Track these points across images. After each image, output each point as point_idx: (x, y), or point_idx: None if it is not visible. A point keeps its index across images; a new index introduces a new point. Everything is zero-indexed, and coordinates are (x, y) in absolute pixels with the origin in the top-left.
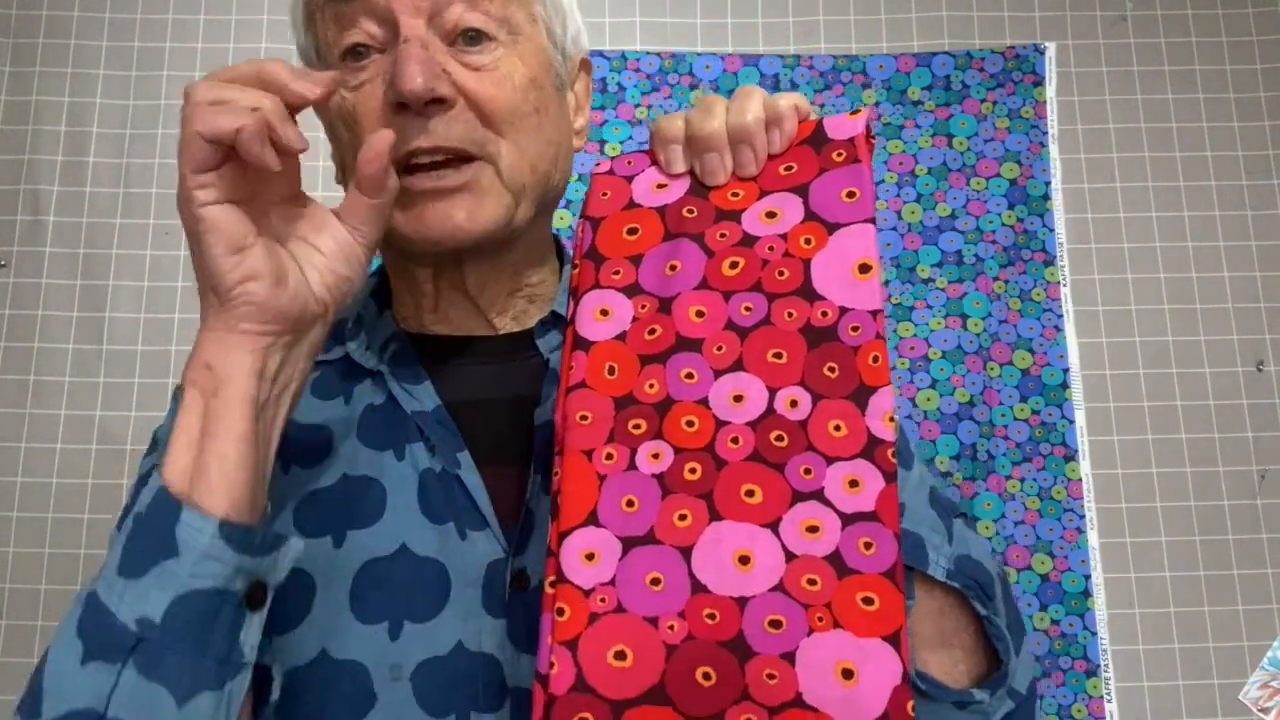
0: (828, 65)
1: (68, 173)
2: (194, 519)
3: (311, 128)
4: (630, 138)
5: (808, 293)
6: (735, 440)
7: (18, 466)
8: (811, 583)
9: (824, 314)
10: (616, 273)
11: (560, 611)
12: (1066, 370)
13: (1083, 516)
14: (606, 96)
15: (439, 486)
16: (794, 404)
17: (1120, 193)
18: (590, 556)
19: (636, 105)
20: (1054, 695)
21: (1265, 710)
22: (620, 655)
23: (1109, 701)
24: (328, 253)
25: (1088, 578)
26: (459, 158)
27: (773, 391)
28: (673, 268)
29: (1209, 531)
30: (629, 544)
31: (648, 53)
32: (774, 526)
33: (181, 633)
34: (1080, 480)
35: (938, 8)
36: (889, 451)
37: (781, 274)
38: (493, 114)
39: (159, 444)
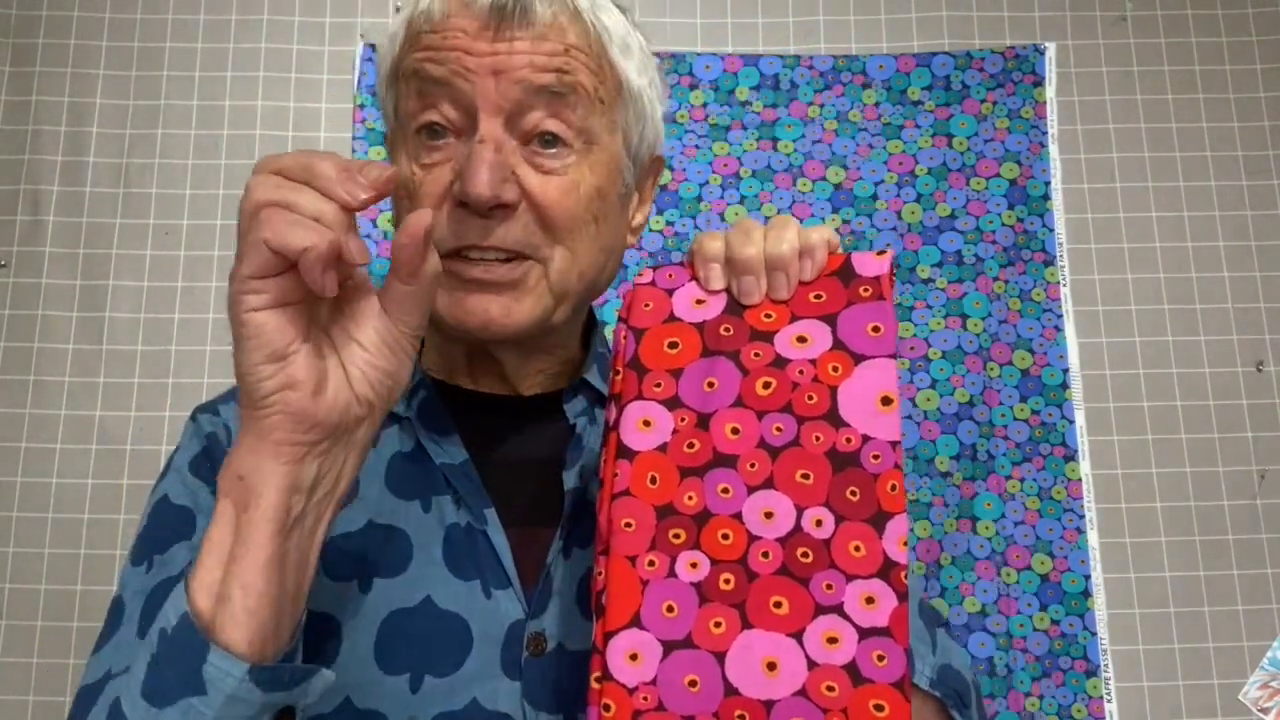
0: (828, 65)
1: (68, 173)
2: (221, 660)
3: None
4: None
5: (834, 419)
6: (765, 554)
7: (18, 466)
8: (830, 689)
9: (848, 440)
10: (658, 385)
11: (606, 707)
12: (1066, 370)
13: (1083, 516)
14: None
15: (465, 542)
16: (819, 523)
17: (1120, 193)
18: (634, 657)
19: None
20: (1054, 695)
21: (1265, 710)
22: None
23: (1109, 702)
24: (369, 346)
25: (1088, 578)
26: (513, 256)
27: (800, 510)
28: (710, 384)
29: (1209, 531)
30: (669, 647)
31: None
32: (798, 636)
33: None
34: (1080, 480)
35: (938, 8)
36: (902, 573)
37: (811, 398)
38: (552, 220)
39: (174, 473)
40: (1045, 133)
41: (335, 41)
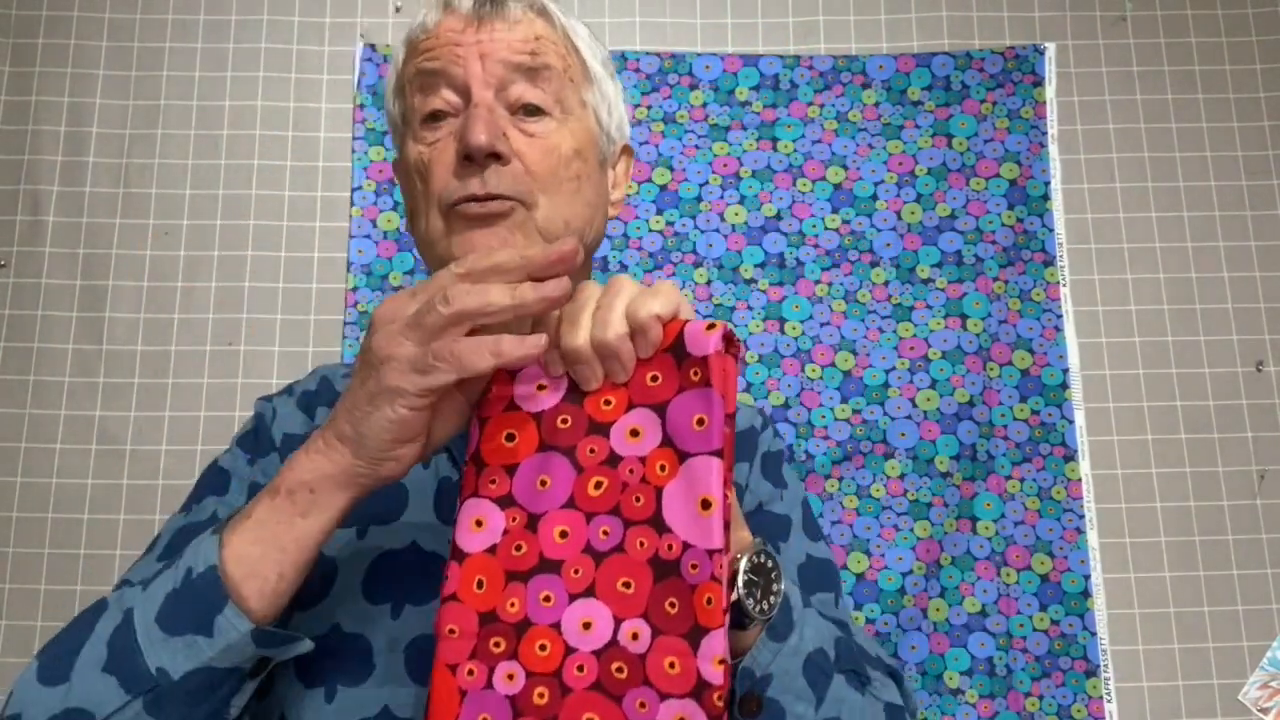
0: (828, 65)
1: (68, 173)
2: (234, 617)
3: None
4: (629, 138)
5: (658, 523)
6: (580, 668)
7: (17, 466)
8: None
9: (670, 547)
10: (493, 481)
11: None
12: (1066, 370)
13: (1082, 517)
14: None
15: (453, 491)
16: (635, 636)
17: (1120, 193)
18: None
19: (636, 105)
20: (1053, 695)
21: (1265, 710)
22: None
23: (1109, 702)
24: (444, 414)
25: (1087, 578)
26: (505, 198)
27: (618, 622)
28: (543, 483)
29: (1209, 532)
30: None
31: (647, 53)
32: None
33: (188, 691)
34: (1080, 480)
35: (938, 8)
36: (715, 695)
37: (638, 500)
38: (537, 175)
39: (228, 447)
40: (1045, 133)
41: (335, 41)
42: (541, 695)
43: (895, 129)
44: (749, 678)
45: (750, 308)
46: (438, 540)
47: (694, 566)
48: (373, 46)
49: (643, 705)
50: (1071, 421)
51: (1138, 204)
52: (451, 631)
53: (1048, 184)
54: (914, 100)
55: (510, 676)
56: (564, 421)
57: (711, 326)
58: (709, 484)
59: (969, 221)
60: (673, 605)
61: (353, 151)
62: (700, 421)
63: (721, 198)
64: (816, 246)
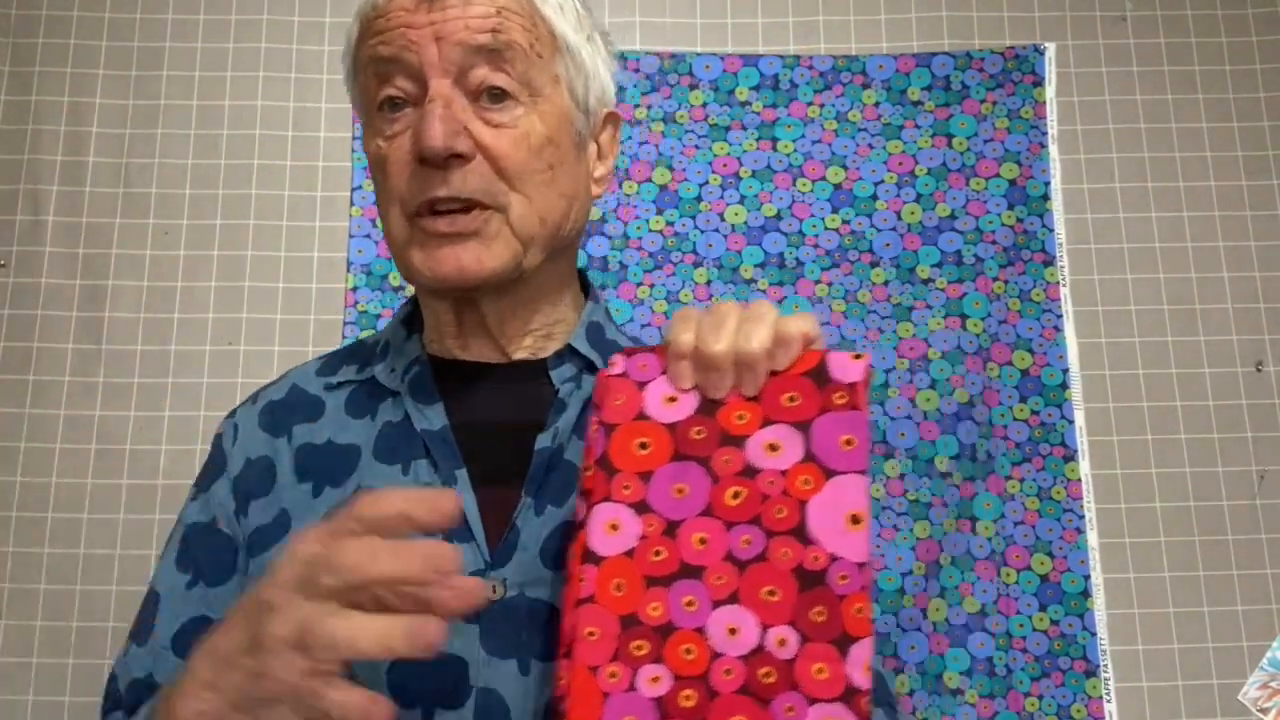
0: (828, 65)
1: (67, 173)
2: None
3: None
4: (630, 138)
5: (802, 535)
6: (728, 672)
7: (17, 466)
8: None
9: (815, 559)
10: (627, 487)
11: None
12: (1066, 370)
13: (1082, 517)
14: None
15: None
16: (783, 643)
17: (1120, 193)
18: None
19: (636, 105)
20: (1053, 695)
21: (1264, 710)
22: None
23: (1108, 702)
24: None
25: (1087, 578)
26: (473, 205)
27: (765, 628)
28: (680, 490)
29: (1208, 532)
30: None
31: (648, 53)
32: None
33: None
34: (1080, 480)
35: (938, 8)
36: (864, 700)
37: (780, 512)
38: (506, 169)
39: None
40: (1045, 133)
41: (335, 41)
42: (689, 698)
43: (895, 129)
44: None
45: None
46: None
47: (843, 578)
48: None
49: (790, 709)
50: (1071, 421)
51: (1137, 204)
52: (591, 634)
53: (1048, 184)
54: (914, 100)
55: (655, 679)
56: (698, 433)
57: (858, 357)
58: (858, 501)
59: (969, 221)
60: (820, 614)
61: (353, 151)
62: (849, 442)
63: (721, 198)
64: (816, 246)
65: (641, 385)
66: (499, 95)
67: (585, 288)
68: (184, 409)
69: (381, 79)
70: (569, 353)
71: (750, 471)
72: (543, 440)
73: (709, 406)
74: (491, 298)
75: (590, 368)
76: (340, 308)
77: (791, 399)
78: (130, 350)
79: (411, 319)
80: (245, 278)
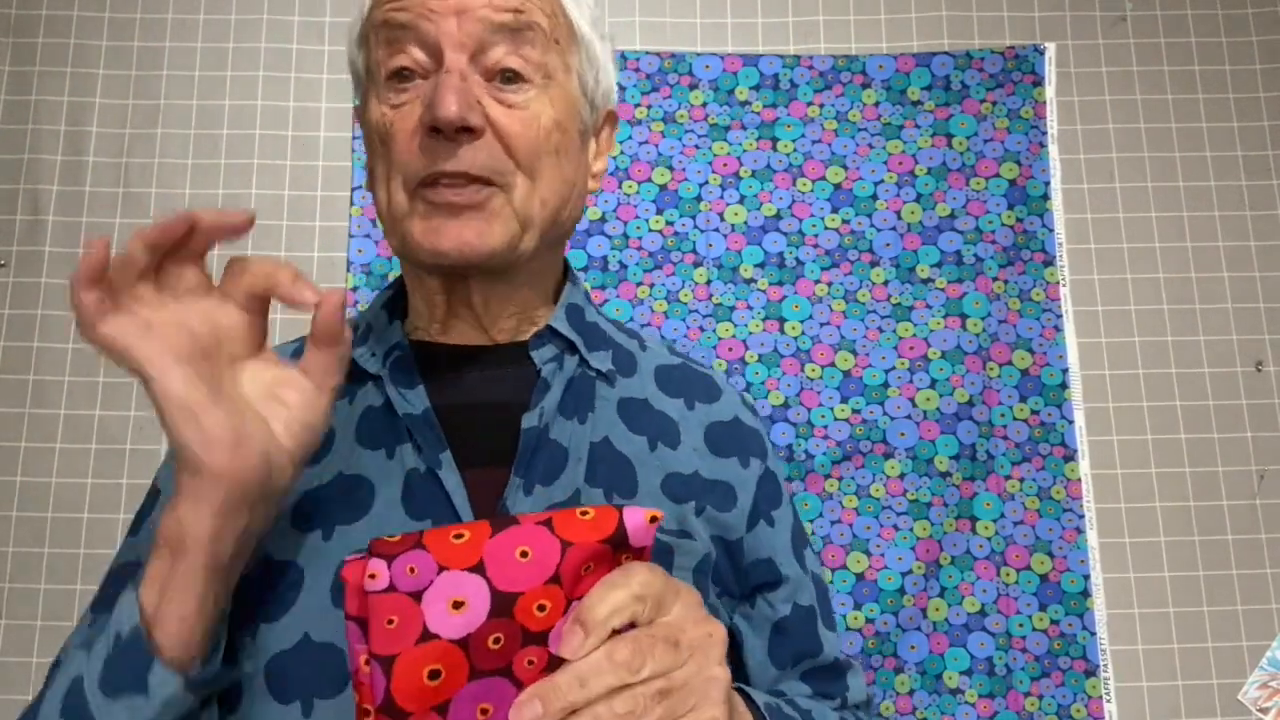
0: (828, 65)
1: (67, 172)
2: (163, 672)
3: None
4: (629, 138)
5: None
6: None
7: (17, 466)
8: None
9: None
10: None
11: None
12: (1066, 370)
13: (1082, 516)
14: None
15: (422, 485)
16: None
17: (1119, 193)
18: None
19: (636, 105)
20: (1053, 695)
21: (1264, 710)
22: None
23: (1108, 701)
24: (294, 406)
25: (1087, 578)
26: (477, 181)
27: None
28: (484, 711)
29: (1208, 531)
30: None
31: (647, 53)
32: None
33: None
34: (1079, 480)
35: (938, 8)
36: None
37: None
38: (515, 149)
39: (161, 495)
40: (1045, 133)
41: (335, 41)
42: None
43: (895, 129)
44: None
45: (750, 307)
46: None
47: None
48: None
49: None
50: (1071, 421)
51: (1137, 204)
52: None
53: (1047, 184)
54: (914, 100)
55: None
56: (496, 642)
57: (654, 519)
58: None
59: (969, 221)
60: None
61: (353, 151)
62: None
63: (721, 197)
64: (816, 246)
65: (416, 596)
66: (512, 77)
67: (565, 273)
68: None
69: (393, 46)
70: (549, 333)
71: (555, 664)
72: (529, 419)
73: (504, 604)
74: (482, 280)
75: (571, 348)
76: None
77: (588, 569)
78: None
79: (393, 303)
80: None
